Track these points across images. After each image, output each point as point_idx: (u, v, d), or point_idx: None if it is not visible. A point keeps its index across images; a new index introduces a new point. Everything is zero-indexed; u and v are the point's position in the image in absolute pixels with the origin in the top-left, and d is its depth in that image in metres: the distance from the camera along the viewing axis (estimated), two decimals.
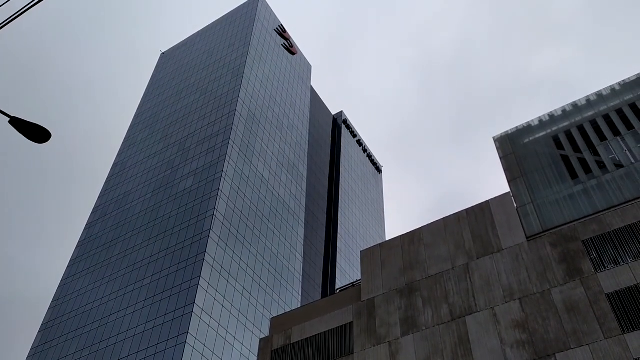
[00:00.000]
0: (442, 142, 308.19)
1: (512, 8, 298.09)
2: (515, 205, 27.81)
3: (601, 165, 27.82)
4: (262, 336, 68.44)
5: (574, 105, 31.27)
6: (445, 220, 28.81)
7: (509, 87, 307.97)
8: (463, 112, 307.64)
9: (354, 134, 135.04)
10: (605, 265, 23.16)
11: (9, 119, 12.60)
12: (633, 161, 26.82)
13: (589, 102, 30.84)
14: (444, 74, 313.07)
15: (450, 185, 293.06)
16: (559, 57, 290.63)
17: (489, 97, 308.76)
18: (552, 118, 31.29)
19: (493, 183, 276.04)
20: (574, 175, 28.06)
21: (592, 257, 23.69)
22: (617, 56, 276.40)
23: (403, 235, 29.58)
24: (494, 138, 31.93)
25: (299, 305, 79.16)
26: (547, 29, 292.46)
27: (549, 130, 30.72)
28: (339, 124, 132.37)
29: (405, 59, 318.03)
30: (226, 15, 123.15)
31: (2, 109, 12.43)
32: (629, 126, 28.69)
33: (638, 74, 30.42)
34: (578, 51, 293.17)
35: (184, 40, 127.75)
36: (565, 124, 30.51)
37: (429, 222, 29.25)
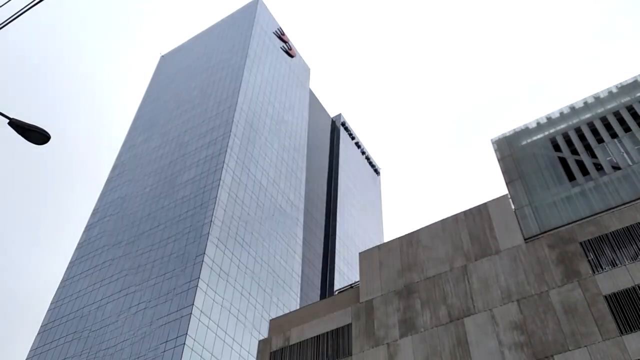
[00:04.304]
0: (441, 143, 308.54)
1: (513, 9, 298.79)
2: (513, 207, 27.89)
3: (598, 167, 27.92)
4: (261, 338, 68.39)
5: (571, 107, 31.40)
6: (443, 222, 28.88)
7: (510, 88, 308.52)
8: (462, 114, 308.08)
9: (352, 136, 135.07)
10: (603, 267, 23.24)
11: (8, 120, 12.66)
12: (630, 163, 26.93)
13: (586, 105, 30.97)
14: (444, 75, 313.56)
15: (448, 187, 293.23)
16: (561, 58, 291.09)
17: (489, 98, 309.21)
18: (550, 120, 31.41)
19: (491, 185, 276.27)
20: (571, 177, 28.16)
21: (589, 258, 23.76)
22: (620, 57, 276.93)
23: (401, 237, 29.64)
24: (491, 140, 32.05)
25: (298, 307, 79.13)
26: (549, 30, 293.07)
27: (546, 133, 30.83)
28: (338, 126, 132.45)
29: (407, 60, 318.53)
30: (225, 18, 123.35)
31: (1, 111, 12.48)
32: (626, 128, 28.81)
33: (635, 77, 30.57)
34: (580, 51, 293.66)
35: (183, 43, 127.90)
36: (563, 126, 30.62)
37: (427, 224, 29.33)
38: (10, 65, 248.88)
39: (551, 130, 30.75)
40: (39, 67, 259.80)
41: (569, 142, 29.83)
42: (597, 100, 30.80)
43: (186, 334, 57.66)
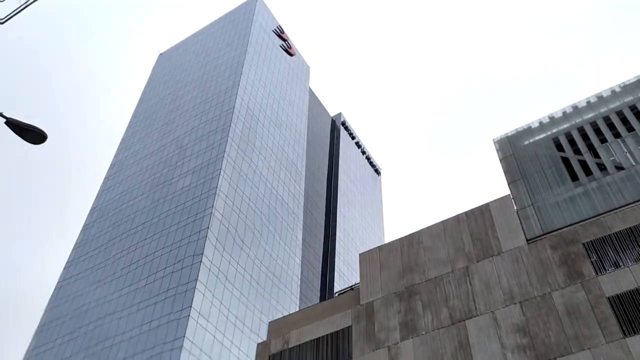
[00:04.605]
0: (443, 143, 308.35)
1: (514, 7, 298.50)
2: (515, 208, 27.62)
3: (601, 167, 27.69)
4: (260, 340, 68.05)
5: (574, 107, 31.14)
6: (444, 222, 28.58)
7: (512, 88, 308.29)
8: (463, 113, 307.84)
9: (352, 136, 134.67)
10: (606, 268, 22.98)
11: (4, 120, 12.36)
12: (633, 163, 26.67)
13: (589, 104, 30.72)
14: (445, 75, 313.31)
15: (451, 187, 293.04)
16: (565, 57, 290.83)
17: (491, 97, 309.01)
18: (552, 120, 31.15)
19: (493, 185, 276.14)
20: (574, 177, 27.91)
21: (592, 260, 23.50)
22: (623, 56, 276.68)
23: (402, 238, 29.34)
24: (493, 140, 31.77)
25: (297, 309, 78.79)
26: (552, 29, 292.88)
27: (549, 132, 30.58)
28: (338, 125, 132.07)
29: (407, 60, 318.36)
30: (224, 15, 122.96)
31: None
32: (630, 128, 28.57)
33: (637, 76, 30.30)
34: (584, 51, 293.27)
35: (182, 41, 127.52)
36: (565, 125, 30.37)
37: (428, 225, 29.01)
38: (7, 64, 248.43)
39: (554, 130, 30.50)
40: (36, 65, 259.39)
41: (571, 142, 29.57)
42: (600, 99, 30.54)
43: (184, 336, 57.28)
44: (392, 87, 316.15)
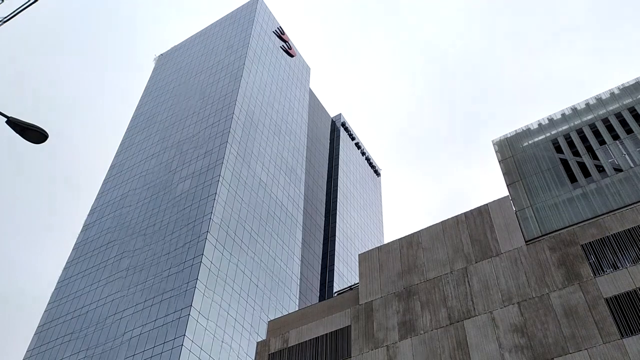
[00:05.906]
0: (443, 144, 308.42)
1: (520, 10, 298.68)
2: (514, 209, 27.76)
3: (600, 169, 27.82)
4: (259, 339, 68.20)
5: (573, 109, 31.29)
6: (443, 223, 28.72)
7: (511, 89, 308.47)
8: (465, 115, 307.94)
9: (352, 137, 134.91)
10: (604, 270, 23.10)
11: (6, 119, 12.49)
12: (632, 165, 26.81)
13: (588, 106, 30.86)
14: (447, 76, 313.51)
15: (450, 189, 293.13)
16: (568, 60, 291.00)
17: (491, 98, 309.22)
18: (552, 122, 31.29)
19: (494, 186, 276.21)
20: (573, 179, 28.05)
21: (590, 261, 23.63)
22: (627, 58, 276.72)
23: (401, 238, 29.47)
24: (492, 141, 31.91)
25: (297, 309, 78.92)
26: (556, 32, 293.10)
27: (548, 134, 30.73)
28: (338, 126, 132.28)
29: (407, 61, 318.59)
30: (225, 17, 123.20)
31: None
32: (628, 130, 28.71)
33: (636, 78, 30.44)
34: (587, 53, 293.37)
35: (182, 42, 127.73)
36: (565, 127, 30.52)
37: (428, 226, 29.16)
38: (9, 64, 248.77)
39: (552, 132, 30.64)
40: (36, 67, 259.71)
41: (570, 144, 29.72)
42: (599, 101, 30.69)
43: (184, 335, 57.45)
44: (392, 88, 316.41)
